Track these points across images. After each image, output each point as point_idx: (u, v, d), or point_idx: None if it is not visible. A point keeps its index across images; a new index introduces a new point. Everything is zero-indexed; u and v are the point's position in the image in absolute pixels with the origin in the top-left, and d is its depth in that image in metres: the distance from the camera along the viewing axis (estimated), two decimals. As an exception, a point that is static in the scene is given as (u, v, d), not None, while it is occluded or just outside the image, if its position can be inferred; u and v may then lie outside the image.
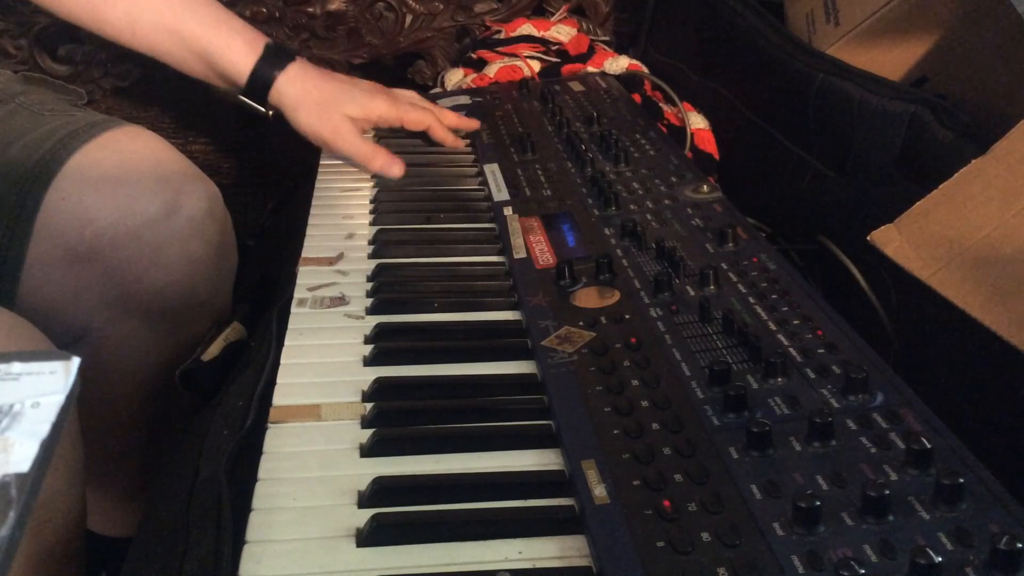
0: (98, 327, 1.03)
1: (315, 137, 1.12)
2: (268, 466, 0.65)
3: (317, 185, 1.11)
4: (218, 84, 1.12)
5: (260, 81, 1.09)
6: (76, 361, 0.49)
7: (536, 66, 1.45)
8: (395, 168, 1.10)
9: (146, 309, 1.05)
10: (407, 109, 1.16)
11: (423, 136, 1.21)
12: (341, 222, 1.02)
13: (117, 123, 1.08)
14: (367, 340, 0.79)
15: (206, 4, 1.09)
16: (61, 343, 0.94)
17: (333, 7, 1.57)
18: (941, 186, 0.80)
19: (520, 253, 0.91)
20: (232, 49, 1.08)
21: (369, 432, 0.67)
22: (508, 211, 1.00)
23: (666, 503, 0.57)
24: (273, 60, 1.09)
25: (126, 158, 1.04)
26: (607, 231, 0.92)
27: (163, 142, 1.10)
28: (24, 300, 0.98)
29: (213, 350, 0.95)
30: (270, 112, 1.12)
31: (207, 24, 1.08)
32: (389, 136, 1.21)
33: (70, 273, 0.99)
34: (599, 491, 0.59)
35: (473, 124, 1.22)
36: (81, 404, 0.53)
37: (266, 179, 1.67)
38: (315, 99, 1.10)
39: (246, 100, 1.11)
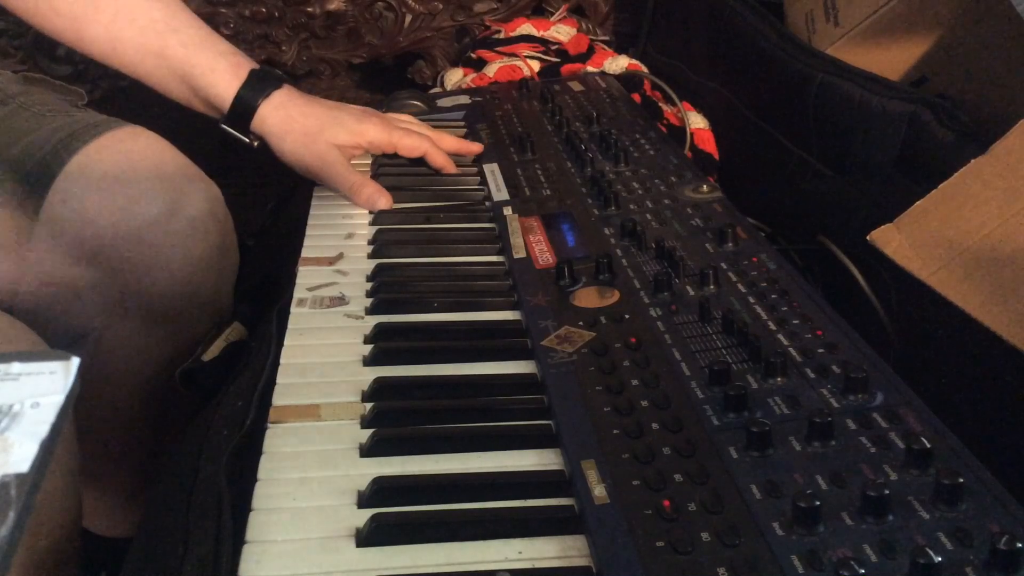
0: (98, 328, 1.03)
1: (301, 166, 1.08)
2: (268, 466, 0.65)
3: (317, 185, 1.11)
4: (201, 110, 1.09)
5: (243, 107, 1.05)
6: (76, 361, 0.49)
7: (536, 66, 1.45)
8: (380, 201, 1.05)
9: (147, 309, 1.04)
10: (401, 135, 1.11)
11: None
12: (341, 222, 1.02)
13: (118, 124, 1.08)
14: (367, 340, 0.79)
15: (191, 25, 1.06)
16: (61, 344, 0.94)
17: (332, 7, 1.57)
18: (941, 186, 0.80)
19: (520, 253, 0.91)
20: (216, 72, 1.04)
21: (369, 432, 0.67)
22: (508, 211, 1.00)
23: (666, 503, 0.57)
24: (258, 86, 1.05)
25: (127, 159, 1.03)
26: (607, 231, 0.92)
27: (164, 142, 1.10)
28: (25, 301, 0.98)
29: (213, 350, 0.95)
30: (255, 142, 1.08)
31: (191, 46, 1.04)
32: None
33: (71, 274, 0.99)
34: (599, 491, 0.59)
35: (475, 148, 1.18)
36: (81, 404, 0.53)
37: (266, 179, 1.67)
38: (300, 127, 1.06)
39: (229, 129, 1.07)
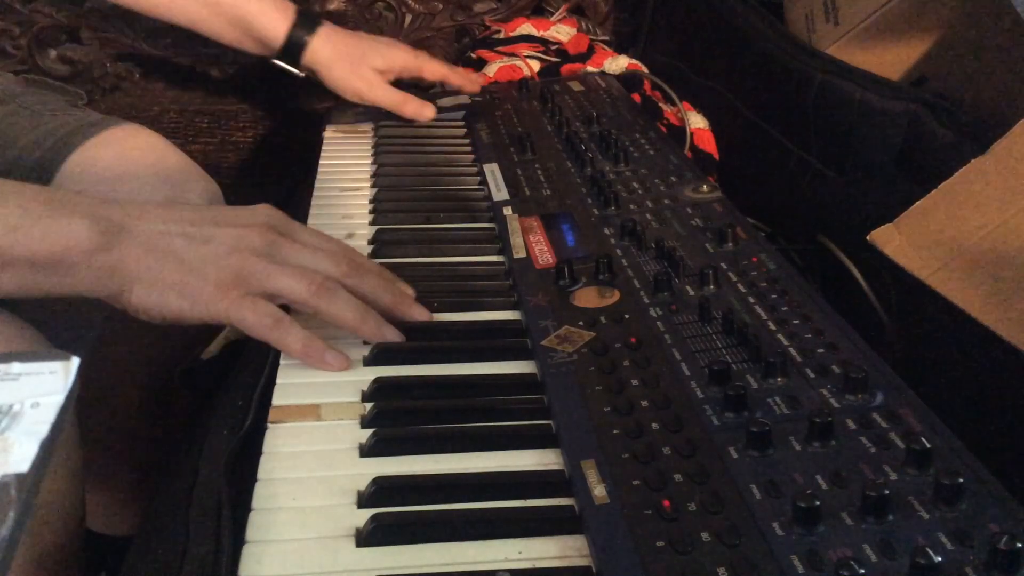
0: (98, 327, 1.03)
1: (350, 90, 1.24)
2: (268, 466, 0.65)
3: (317, 185, 1.11)
4: (252, 50, 1.23)
5: (295, 44, 1.21)
6: (76, 361, 0.49)
7: (536, 66, 1.45)
8: (427, 111, 1.25)
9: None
10: (426, 59, 1.28)
11: (422, 137, 1.21)
12: (341, 222, 1.02)
13: (117, 122, 1.08)
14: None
15: None
16: (61, 343, 0.94)
17: (333, 7, 1.57)
18: (941, 186, 0.80)
19: (520, 253, 0.91)
20: (267, 15, 1.20)
21: (369, 432, 0.67)
22: (508, 211, 1.00)
23: (666, 503, 0.57)
24: (305, 24, 1.21)
25: (126, 155, 1.03)
26: (607, 231, 0.92)
27: (163, 140, 1.10)
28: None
29: (213, 349, 0.95)
30: (303, 73, 1.24)
31: None
32: (389, 135, 1.22)
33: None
34: (599, 491, 0.59)
35: (475, 87, 1.34)
36: (81, 404, 0.53)
37: (266, 179, 1.67)
38: (347, 55, 1.23)
39: (281, 64, 1.23)
